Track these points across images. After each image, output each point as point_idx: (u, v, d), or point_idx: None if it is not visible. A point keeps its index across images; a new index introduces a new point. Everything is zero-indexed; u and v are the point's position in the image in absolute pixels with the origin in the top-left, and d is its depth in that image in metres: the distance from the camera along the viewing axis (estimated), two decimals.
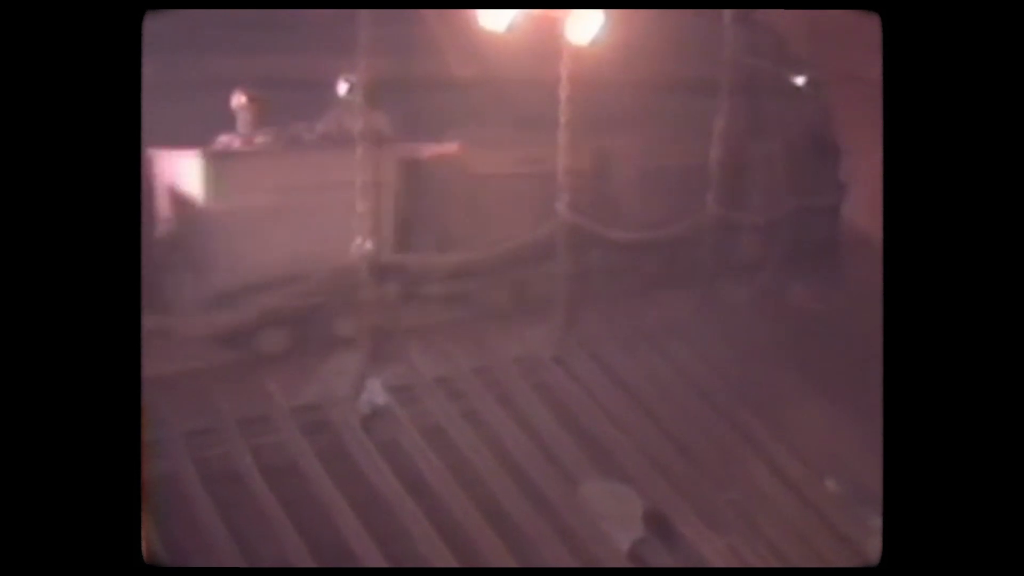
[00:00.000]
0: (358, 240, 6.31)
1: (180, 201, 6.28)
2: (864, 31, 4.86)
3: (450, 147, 7.28)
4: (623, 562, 5.86)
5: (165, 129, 5.69)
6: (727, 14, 7.65)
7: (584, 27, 6.68)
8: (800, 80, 8.29)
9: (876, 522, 6.23)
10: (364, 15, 6.02)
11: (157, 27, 3.19)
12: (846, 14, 5.54)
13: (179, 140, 6.27)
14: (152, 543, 4.58)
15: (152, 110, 3.80)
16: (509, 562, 5.60)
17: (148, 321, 3.83)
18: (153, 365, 3.81)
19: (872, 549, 6.13)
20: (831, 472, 6.82)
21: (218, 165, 6.29)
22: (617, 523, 6.07)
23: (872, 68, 6.06)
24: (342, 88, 6.72)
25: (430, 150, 7.23)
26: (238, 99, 6.66)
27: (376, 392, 6.52)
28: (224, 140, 6.62)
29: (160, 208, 6.39)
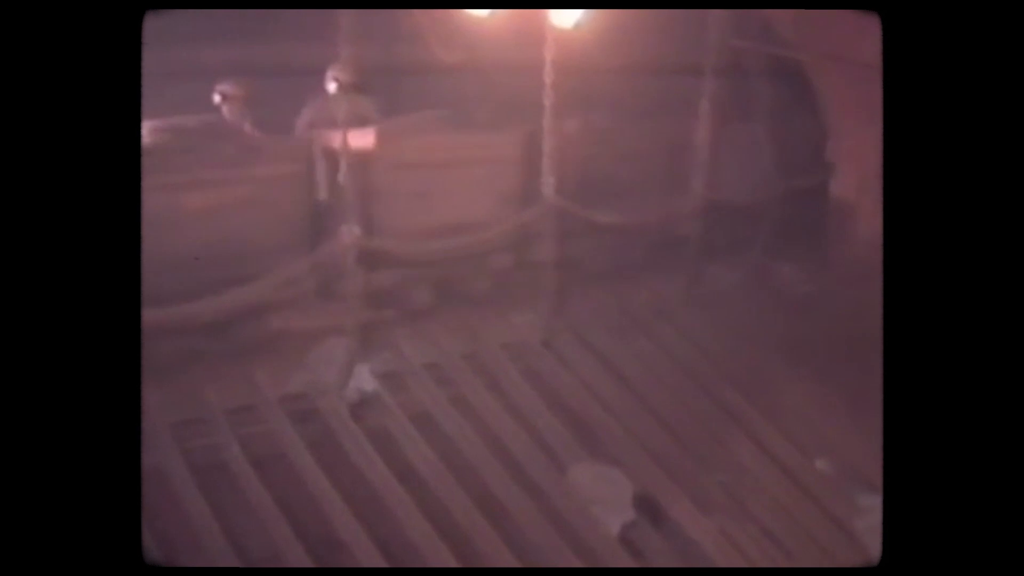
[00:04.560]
0: (344, 227, 6.29)
1: None
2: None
3: (367, 135, 6.94)
4: (613, 545, 5.87)
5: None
6: None
7: (568, 11, 6.65)
8: (786, 60, 8.26)
9: (866, 502, 6.28)
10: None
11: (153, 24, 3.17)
12: (845, 14, 5.53)
13: None
14: (143, 538, 4.57)
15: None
16: (499, 547, 5.60)
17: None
18: None
19: (862, 529, 6.18)
20: (821, 452, 6.83)
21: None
22: (607, 507, 6.08)
23: (858, 48, 6.09)
24: (331, 86, 6.67)
25: (350, 138, 6.72)
26: (215, 96, 6.67)
27: (364, 379, 6.52)
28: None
29: None
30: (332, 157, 6.53)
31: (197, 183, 6.24)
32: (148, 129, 6.27)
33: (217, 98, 6.76)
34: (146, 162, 5.95)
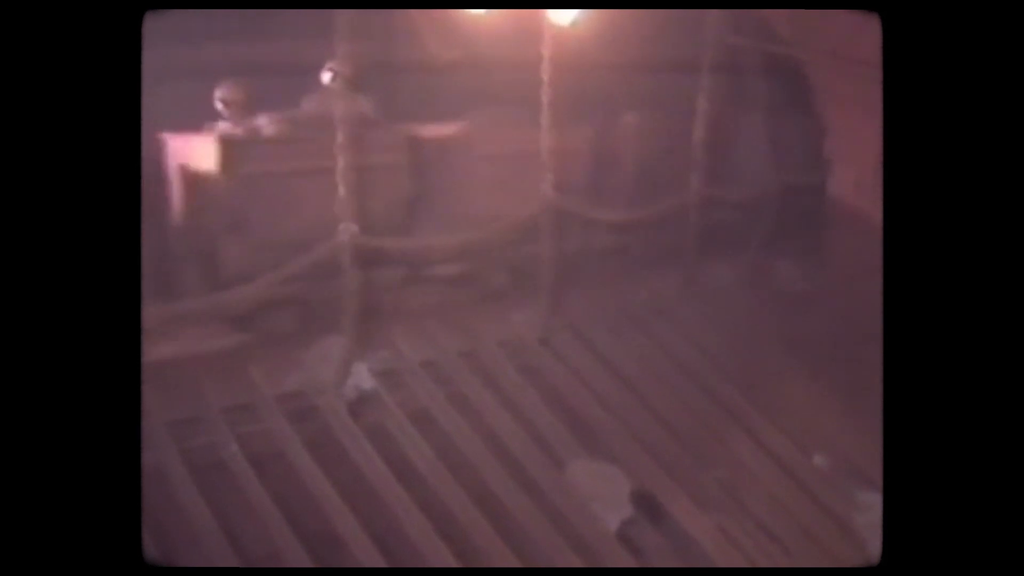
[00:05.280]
0: (343, 224, 6.28)
1: (193, 184, 6.45)
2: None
3: (454, 127, 7.41)
4: (612, 542, 5.88)
5: (154, 117, 5.67)
6: None
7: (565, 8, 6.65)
8: (782, 58, 8.25)
9: (864, 499, 6.29)
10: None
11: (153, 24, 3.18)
12: (845, 14, 5.54)
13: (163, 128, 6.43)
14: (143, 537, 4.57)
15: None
16: (497, 544, 5.61)
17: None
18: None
19: (861, 526, 6.19)
20: (819, 449, 6.84)
21: (232, 149, 6.49)
22: (605, 503, 6.09)
23: (854, 45, 6.08)
24: (325, 77, 6.68)
25: (435, 130, 7.35)
26: (217, 100, 6.69)
27: (362, 377, 6.52)
28: (225, 126, 6.64)
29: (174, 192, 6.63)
30: (418, 148, 6.98)
31: (308, 170, 6.53)
32: (266, 121, 6.68)
33: (219, 105, 6.76)
34: (261, 151, 6.58)
